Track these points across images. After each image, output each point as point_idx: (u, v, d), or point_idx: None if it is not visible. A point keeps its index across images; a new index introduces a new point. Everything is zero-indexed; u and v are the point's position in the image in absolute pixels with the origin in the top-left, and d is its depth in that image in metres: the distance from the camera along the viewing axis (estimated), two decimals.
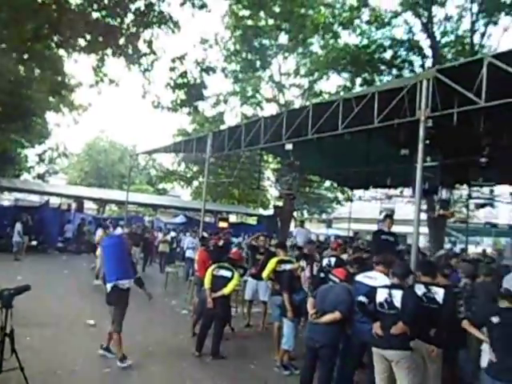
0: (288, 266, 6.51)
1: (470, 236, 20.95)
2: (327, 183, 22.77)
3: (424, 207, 13.25)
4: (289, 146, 7.85)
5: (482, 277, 5.97)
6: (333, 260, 6.73)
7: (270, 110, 20.99)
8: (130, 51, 13.93)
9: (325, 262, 7.18)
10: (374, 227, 12.10)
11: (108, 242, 6.20)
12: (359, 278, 5.20)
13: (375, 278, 4.98)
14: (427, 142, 5.51)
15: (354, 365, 5.27)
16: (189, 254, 12.72)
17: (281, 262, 6.68)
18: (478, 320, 4.27)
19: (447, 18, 14.13)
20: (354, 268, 5.94)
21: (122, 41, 13.50)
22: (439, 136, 6.09)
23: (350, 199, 18.14)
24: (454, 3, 14.12)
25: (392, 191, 15.11)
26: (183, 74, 16.17)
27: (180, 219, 25.31)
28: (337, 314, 4.72)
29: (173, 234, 17.75)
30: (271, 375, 5.85)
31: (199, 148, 11.13)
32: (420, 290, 4.71)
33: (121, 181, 36.99)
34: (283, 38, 17.48)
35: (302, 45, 16.66)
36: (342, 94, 14.59)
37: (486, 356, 4.18)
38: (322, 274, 6.65)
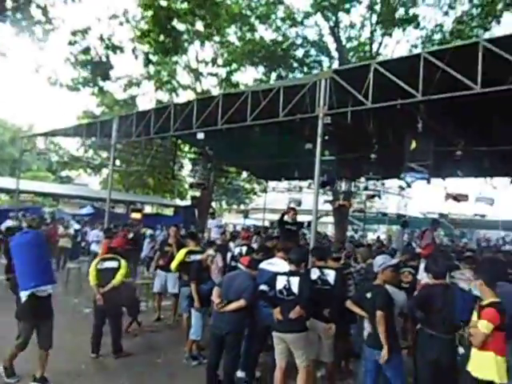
0: (198, 257, 6.55)
1: (368, 224, 23.17)
2: (245, 174, 23.33)
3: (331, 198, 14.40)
4: (200, 135, 7.92)
5: (370, 259, 6.74)
6: (244, 249, 7.07)
7: (188, 97, 20.87)
8: (20, 16, 12.67)
9: (237, 250, 7.45)
10: None
11: (19, 240, 5.07)
12: (262, 265, 5.53)
13: (277, 264, 5.39)
14: (326, 137, 6.07)
15: (259, 347, 5.60)
16: (93, 247, 12.10)
17: (190, 252, 6.79)
18: (357, 297, 4.90)
19: (351, 25, 15.37)
20: (259, 255, 6.35)
21: (9, 3, 12.25)
22: (337, 132, 6.74)
23: (265, 190, 18.85)
24: (358, 12, 15.46)
25: (303, 183, 16.05)
26: (86, 51, 15.14)
27: (87, 210, 23.71)
28: (241, 302, 4.94)
29: (76, 226, 16.15)
30: (179, 367, 5.87)
31: (105, 133, 10.54)
32: (315, 273, 5.21)
33: (13, 166, 33.34)
34: (200, 25, 17.49)
35: (218, 34, 16.82)
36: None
37: (368, 329, 4.83)
38: (234, 263, 6.99)
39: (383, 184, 12.85)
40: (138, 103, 20.78)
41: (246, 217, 26.04)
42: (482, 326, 3.64)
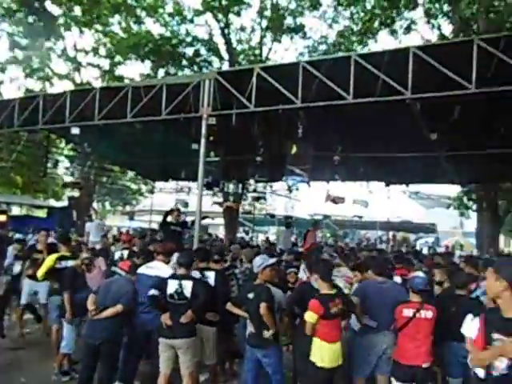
0: (70, 263, 6.17)
1: (258, 225, 24.20)
2: (131, 174, 22.45)
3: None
4: (75, 130, 7.47)
5: None
6: (125, 253, 6.82)
7: (65, 88, 19.34)
8: None
9: (117, 255, 7.16)
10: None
11: None
12: (141, 269, 5.39)
13: (156, 267, 5.31)
14: (211, 138, 6.19)
15: (139, 356, 5.44)
16: None
17: (61, 258, 6.33)
18: (239, 298, 5.08)
19: (242, 28, 15.90)
20: (140, 259, 6.18)
21: None
22: (224, 134, 6.92)
23: (151, 191, 18.41)
24: (249, 16, 16.07)
25: (192, 184, 16.05)
26: None
27: None
28: (118, 307, 4.76)
29: None
30: None
31: None
32: (196, 275, 5.28)
33: None
34: (79, 10, 16.39)
35: (100, 22, 15.97)
36: None
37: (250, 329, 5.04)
38: (114, 268, 6.68)
39: (271, 186, 13.51)
40: (3, 91, 18.64)
41: (131, 219, 25.09)
42: (306, 316, 4.22)
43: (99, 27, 16.89)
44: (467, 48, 5.05)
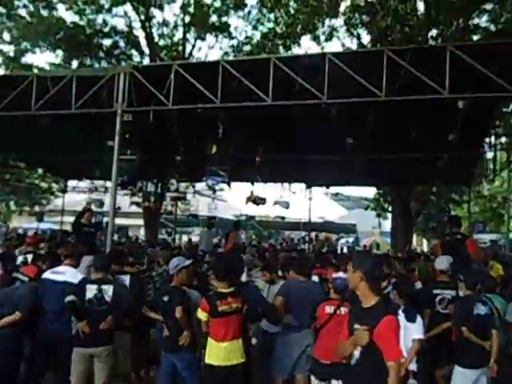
0: None
1: (182, 226, 23.87)
2: (40, 171, 20.92)
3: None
4: None
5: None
6: (29, 256, 6.39)
7: None
8: None
9: (20, 259, 6.73)
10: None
11: None
12: (46, 274, 5.10)
13: (63, 272, 5.05)
14: (127, 135, 6.01)
15: (43, 368, 5.18)
16: None
17: None
18: (154, 301, 5.01)
19: (165, 23, 15.57)
20: (46, 264, 5.83)
21: None
22: (141, 132, 6.74)
23: (63, 190, 17.32)
24: (173, 10, 15.78)
25: (109, 183, 15.35)
26: None
27: None
28: (16, 315, 4.54)
29: None
30: None
31: None
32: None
33: None
34: None
35: (1, 3, 14.69)
36: None
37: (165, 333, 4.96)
38: (15, 274, 6.20)
39: (193, 186, 13.42)
40: None
41: (40, 220, 23.43)
42: (197, 314, 4.39)
43: (2, 9, 15.52)
44: (378, 58, 5.44)
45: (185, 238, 22.87)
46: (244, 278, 6.14)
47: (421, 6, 12.66)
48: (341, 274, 6.40)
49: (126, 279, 5.20)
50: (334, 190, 21.97)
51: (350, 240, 30.75)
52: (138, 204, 12.50)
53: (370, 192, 23.13)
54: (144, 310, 4.99)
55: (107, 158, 8.45)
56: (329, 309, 4.67)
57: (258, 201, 11.03)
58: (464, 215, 21.54)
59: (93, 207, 10.87)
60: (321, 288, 5.28)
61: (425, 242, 32.33)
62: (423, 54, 5.65)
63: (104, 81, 5.77)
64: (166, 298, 4.70)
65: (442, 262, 5.86)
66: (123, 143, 5.93)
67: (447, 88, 5.29)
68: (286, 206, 12.61)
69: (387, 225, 24.69)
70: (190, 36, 15.39)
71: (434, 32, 13.54)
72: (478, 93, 5.58)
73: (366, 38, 14.40)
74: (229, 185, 7.04)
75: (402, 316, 4.52)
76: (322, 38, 13.66)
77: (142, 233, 19.91)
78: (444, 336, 5.19)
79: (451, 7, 10.97)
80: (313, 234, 25.77)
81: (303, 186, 14.62)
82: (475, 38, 13.39)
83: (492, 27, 13.39)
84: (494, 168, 11.29)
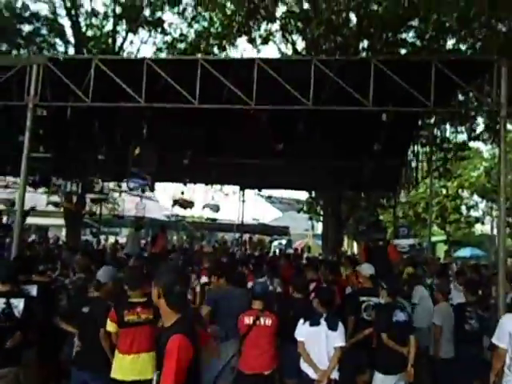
0: None
1: (109, 227, 22.89)
2: None
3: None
4: None
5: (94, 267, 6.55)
6: None
7: None
8: None
9: None
10: None
11: None
12: None
13: None
14: (41, 131, 5.58)
15: None
16: None
17: None
18: (69, 312, 4.66)
19: (94, 13, 14.82)
20: None
21: None
22: (59, 128, 6.30)
23: None
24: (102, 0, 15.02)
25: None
26: None
27: None
28: None
29: None
30: None
31: None
32: None
33: None
34: None
35: None
36: None
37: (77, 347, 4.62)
38: None
39: (120, 186, 12.88)
40: None
41: None
42: (107, 326, 4.18)
43: None
44: (307, 66, 5.50)
45: (112, 239, 21.94)
46: None
47: (353, 18, 13.16)
48: (260, 279, 6.42)
49: (33, 290, 4.75)
50: (267, 192, 22.20)
51: (283, 242, 31.34)
52: (56, 204, 11.68)
53: (302, 195, 23.71)
54: (56, 321, 4.62)
55: (20, 153, 7.87)
56: (247, 319, 4.63)
57: (185, 204, 10.81)
58: (390, 220, 22.77)
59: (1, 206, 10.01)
60: (250, 297, 5.10)
61: (355, 244, 33.73)
62: (350, 66, 5.80)
63: (14, 71, 5.30)
64: (85, 309, 4.41)
65: (367, 269, 5.96)
66: (36, 139, 5.47)
67: (371, 100, 5.47)
68: (216, 209, 12.49)
69: (320, 227, 25.40)
70: (121, 28, 14.76)
71: (365, 43, 14.14)
72: (400, 106, 5.84)
73: (300, 45, 14.73)
74: (151, 189, 6.76)
75: (324, 324, 4.59)
76: (259, 41, 13.74)
77: (63, 233, 18.78)
78: (366, 342, 5.30)
79: (380, 21, 11.47)
80: (246, 236, 25.90)
81: (236, 187, 14.68)
82: (403, 51, 14.16)
83: (418, 42, 14.24)
84: (417, 176, 11.96)
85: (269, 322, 4.63)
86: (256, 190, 15.51)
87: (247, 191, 15.28)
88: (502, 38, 9.35)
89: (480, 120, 15.66)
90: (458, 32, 12.22)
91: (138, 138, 6.56)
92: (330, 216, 17.56)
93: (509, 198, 33.29)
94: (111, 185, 14.20)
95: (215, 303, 4.96)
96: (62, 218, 15.36)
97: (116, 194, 16.04)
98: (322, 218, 20.39)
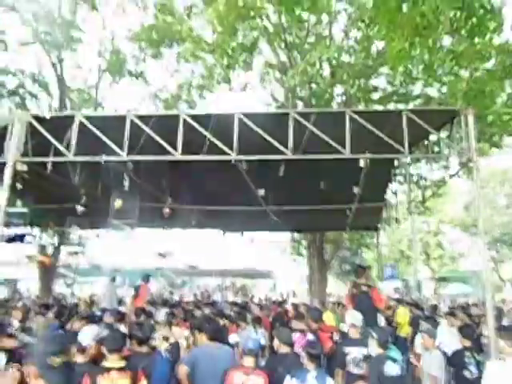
0: None
1: (86, 276, 22.31)
2: None
3: None
4: None
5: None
6: None
7: None
8: None
9: None
10: None
11: None
12: None
13: None
14: (20, 186, 5.59)
15: None
16: None
17: None
18: None
19: (78, 66, 15.25)
20: None
21: None
22: (38, 181, 6.32)
23: None
24: (86, 54, 15.49)
25: None
26: None
27: None
28: None
29: None
30: None
31: None
32: None
33: None
34: None
35: None
36: None
37: None
38: None
39: (98, 235, 12.76)
40: None
41: None
42: None
43: None
44: (285, 118, 5.75)
45: (87, 289, 21.29)
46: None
47: (327, 68, 13.83)
48: (252, 335, 6.16)
49: (1, 358, 4.44)
50: (248, 235, 22.15)
51: (268, 286, 30.95)
52: (30, 258, 11.37)
53: (285, 237, 23.72)
54: None
55: None
56: (238, 378, 4.41)
57: (166, 254, 10.74)
58: (375, 258, 22.91)
59: None
60: (233, 354, 5.02)
61: (341, 284, 33.54)
62: (326, 117, 6.08)
63: None
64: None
65: (353, 317, 5.79)
66: (13, 192, 5.47)
67: (348, 148, 5.70)
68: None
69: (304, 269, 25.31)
70: (104, 80, 15.16)
71: (339, 89, 14.78)
72: (376, 152, 6.09)
73: (278, 92, 15.29)
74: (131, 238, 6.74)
75: (313, 382, 4.37)
76: (238, 89, 14.23)
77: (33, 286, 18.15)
78: None
79: (352, 69, 12.07)
80: (228, 281, 25.50)
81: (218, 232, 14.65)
82: (375, 95, 14.84)
83: (389, 88, 14.97)
84: (397, 214, 12.21)
85: (260, 381, 4.42)
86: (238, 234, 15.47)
87: (228, 235, 15.25)
88: (465, 83, 9.88)
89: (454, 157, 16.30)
90: (424, 78, 12.93)
91: (118, 190, 6.61)
92: (313, 257, 17.58)
93: (487, 232, 33.93)
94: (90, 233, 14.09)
95: (195, 363, 4.67)
96: (33, 269, 14.92)
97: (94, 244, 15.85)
98: (306, 260, 20.38)
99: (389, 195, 11.27)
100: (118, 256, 17.28)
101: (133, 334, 4.86)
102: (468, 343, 5.70)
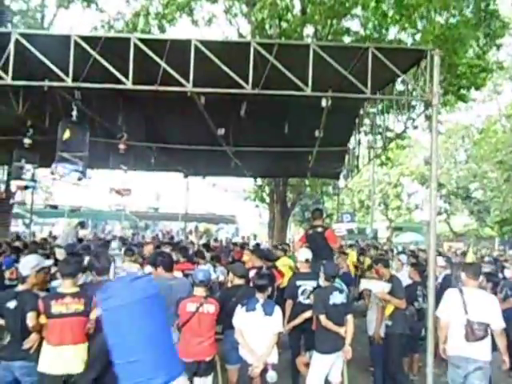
0: None
1: (44, 217, 21.85)
2: None
3: None
4: None
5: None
6: None
7: None
8: None
9: None
10: None
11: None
12: None
13: None
14: None
15: None
16: None
17: None
18: None
19: None
20: None
21: None
22: None
23: None
24: None
25: None
26: None
27: None
28: None
29: None
30: None
31: None
32: None
33: None
34: None
35: None
36: None
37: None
38: None
39: (52, 173, 12.14)
40: None
41: None
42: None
43: None
44: (245, 49, 5.41)
45: (47, 230, 20.92)
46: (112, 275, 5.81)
47: (297, 4, 13.22)
48: (203, 266, 6.44)
49: None
50: (211, 180, 22.07)
51: (231, 231, 31.49)
52: None
53: (248, 183, 23.80)
54: None
55: None
56: (191, 306, 4.62)
57: (122, 192, 10.45)
58: (334, 208, 23.48)
59: None
60: (189, 285, 5.19)
61: (301, 231, 34.54)
62: (289, 50, 5.77)
63: None
64: (11, 304, 4.22)
65: (303, 253, 6.23)
66: None
67: (310, 86, 5.49)
68: (156, 197, 12.17)
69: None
70: (51, 3, 13.84)
71: (310, 30, 14.26)
72: (340, 92, 5.91)
73: (246, 29, 14.60)
74: (84, 174, 6.41)
75: (260, 310, 4.73)
76: (202, 23, 13.45)
77: None
78: (305, 325, 5.60)
79: (324, 7, 11.58)
80: (192, 225, 25.67)
81: (180, 175, 14.41)
82: (347, 40, 14.43)
83: (362, 32, 14.57)
84: (358, 163, 12.32)
85: (211, 309, 4.68)
86: (200, 178, 15.30)
87: (190, 179, 15.04)
88: (437, 29, 9.72)
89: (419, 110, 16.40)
90: (399, 22, 12.64)
91: (66, 121, 6.19)
92: (276, 203, 17.77)
93: (445, 185, 35.47)
94: (44, 172, 13.47)
95: None
96: None
97: (49, 183, 15.28)
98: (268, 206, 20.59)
99: (352, 144, 11.28)
100: (75, 197, 16.85)
101: (91, 264, 4.93)
102: (418, 278, 6.76)
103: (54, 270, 5.55)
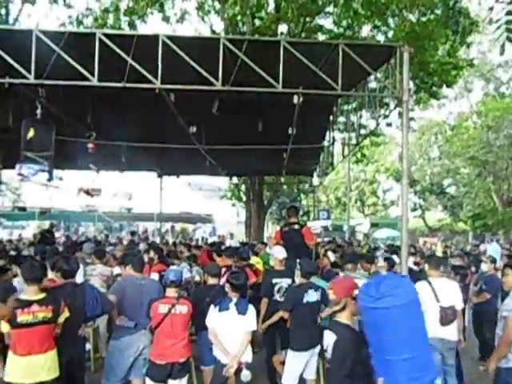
0: None
1: (13, 220, 21.22)
2: None
3: None
4: None
5: None
6: None
7: None
8: None
9: None
10: None
11: None
12: None
13: None
14: None
15: None
16: None
17: None
18: None
19: None
20: None
21: None
22: None
23: None
24: None
25: None
26: None
27: None
28: None
29: None
30: None
31: None
32: None
33: None
34: None
35: None
36: None
37: None
38: None
39: (20, 174, 11.78)
40: None
41: None
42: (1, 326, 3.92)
43: None
44: (215, 46, 5.35)
45: (17, 233, 20.33)
46: (80, 278, 5.67)
47: (271, 1, 13.21)
48: (174, 267, 6.38)
49: None
50: (186, 179, 21.82)
51: (207, 230, 31.26)
52: None
53: (224, 182, 23.70)
54: None
55: None
56: (162, 308, 4.55)
57: (92, 192, 10.21)
58: (311, 205, 23.63)
59: None
60: (160, 286, 5.14)
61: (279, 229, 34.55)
62: (260, 47, 5.74)
63: None
64: None
65: (278, 251, 6.21)
66: None
67: (281, 82, 5.47)
68: (129, 196, 11.98)
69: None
70: None
71: (284, 28, 14.24)
72: (311, 89, 5.91)
73: (219, 26, 14.49)
74: (51, 175, 6.21)
75: (233, 309, 4.68)
76: (173, 19, 13.28)
77: None
78: (279, 323, 5.54)
79: (297, 4, 11.61)
80: (169, 225, 25.38)
81: (153, 174, 14.21)
82: (321, 38, 14.49)
83: (335, 29, 14.67)
84: (332, 161, 12.41)
85: (184, 309, 4.61)
86: (174, 177, 15.11)
87: (165, 178, 14.84)
88: (408, 26, 9.87)
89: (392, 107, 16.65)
90: (370, 20, 12.78)
91: (31, 119, 5.99)
92: (252, 201, 17.75)
93: (419, 181, 36.14)
94: (11, 173, 13.05)
95: (122, 293, 4.88)
96: None
97: (18, 184, 14.84)
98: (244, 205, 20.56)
99: (327, 142, 11.35)
100: (45, 198, 16.39)
101: (58, 266, 4.73)
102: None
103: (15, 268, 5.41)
